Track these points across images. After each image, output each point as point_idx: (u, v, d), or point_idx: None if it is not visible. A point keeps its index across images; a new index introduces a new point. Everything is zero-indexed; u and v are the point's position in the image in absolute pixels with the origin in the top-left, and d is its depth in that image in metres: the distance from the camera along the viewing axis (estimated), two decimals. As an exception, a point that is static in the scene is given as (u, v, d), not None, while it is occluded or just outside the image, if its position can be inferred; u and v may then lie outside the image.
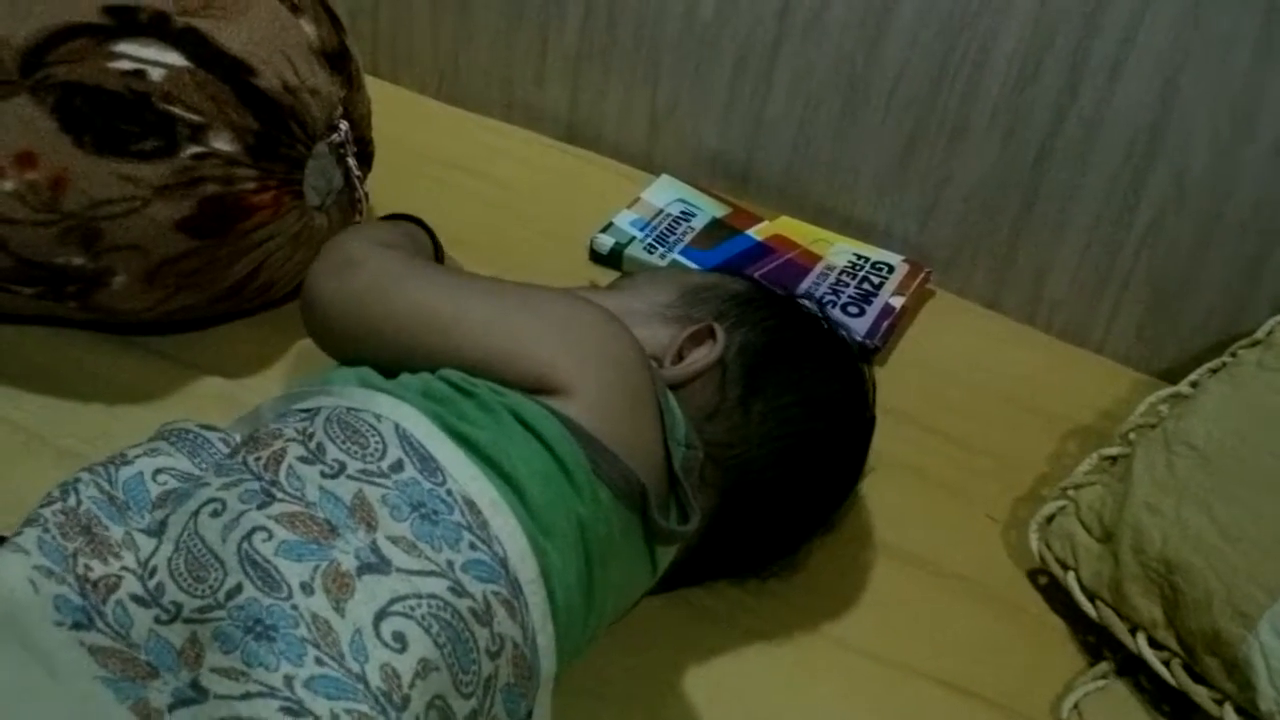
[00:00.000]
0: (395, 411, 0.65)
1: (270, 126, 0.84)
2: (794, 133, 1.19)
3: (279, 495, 0.60)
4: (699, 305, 0.82)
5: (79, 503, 0.61)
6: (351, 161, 0.93)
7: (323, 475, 0.61)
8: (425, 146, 1.23)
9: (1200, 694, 0.77)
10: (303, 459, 0.62)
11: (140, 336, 0.93)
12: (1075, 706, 0.79)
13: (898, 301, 1.11)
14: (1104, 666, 0.82)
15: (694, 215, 1.19)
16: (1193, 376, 0.94)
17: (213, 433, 0.69)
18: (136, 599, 0.57)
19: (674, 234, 1.16)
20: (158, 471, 0.65)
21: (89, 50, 0.80)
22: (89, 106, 0.80)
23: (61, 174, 0.80)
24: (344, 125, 0.91)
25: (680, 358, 0.78)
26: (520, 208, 1.18)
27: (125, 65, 0.80)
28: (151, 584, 0.58)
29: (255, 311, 0.96)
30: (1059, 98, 1.06)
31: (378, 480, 0.61)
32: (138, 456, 0.65)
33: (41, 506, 0.61)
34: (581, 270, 1.12)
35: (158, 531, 0.60)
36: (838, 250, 1.16)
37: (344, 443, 0.63)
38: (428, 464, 0.63)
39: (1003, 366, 1.09)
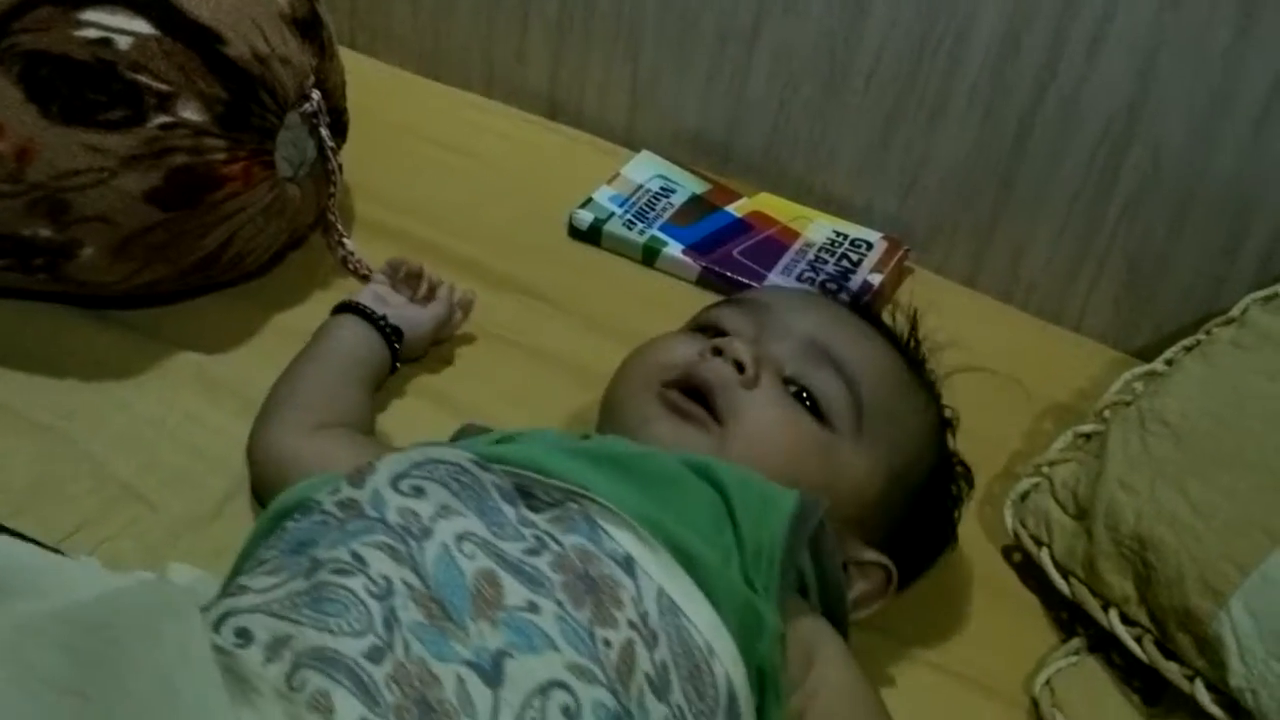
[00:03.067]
0: (726, 655, 0.60)
1: (240, 96, 0.83)
2: (774, 110, 1.19)
3: None
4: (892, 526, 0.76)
5: (406, 646, 0.54)
6: (325, 132, 0.92)
7: None
8: (404, 121, 1.22)
9: (1171, 670, 0.76)
10: (651, 682, 0.57)
11: (112, 310, 0.92)
12: (1047, 683, 0.79)
13: (876, 279, 1.10)
14: (1076, 643, 0.82)
15: (674, 191, 1.18)
16: (1167, 354, 0.94)
17: (485, 472, 0.63)
18: None
19: (653, 210, 1.15)
20: (460, 539, 0.59)
21: (55, 18, 0.79)
22: (55, 76, 0.79)
23: (27, 144, 0.79)
24: (316, 95, 0.90)
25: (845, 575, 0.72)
26: (499, 183, 1.17)
27: (92, 33, 0.79)
28: None
29: (229, 284, 0.95)
30: (1037, 76, 1.05)
31: None
32: (434, 519, 0.60)
33: (359, 638, 0.53)
34: (561, 247, 1.12)
35: (494, 677, 0.54)
36: (817, 227, 1.16)
37: (686, 682, 0.58)
38: None
39: (979, 344, 1.08)
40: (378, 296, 0.90)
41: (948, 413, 0.83)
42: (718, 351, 0.74)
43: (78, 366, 0.88)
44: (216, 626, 0.54)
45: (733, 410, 0.72)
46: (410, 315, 0.91)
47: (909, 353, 0.82)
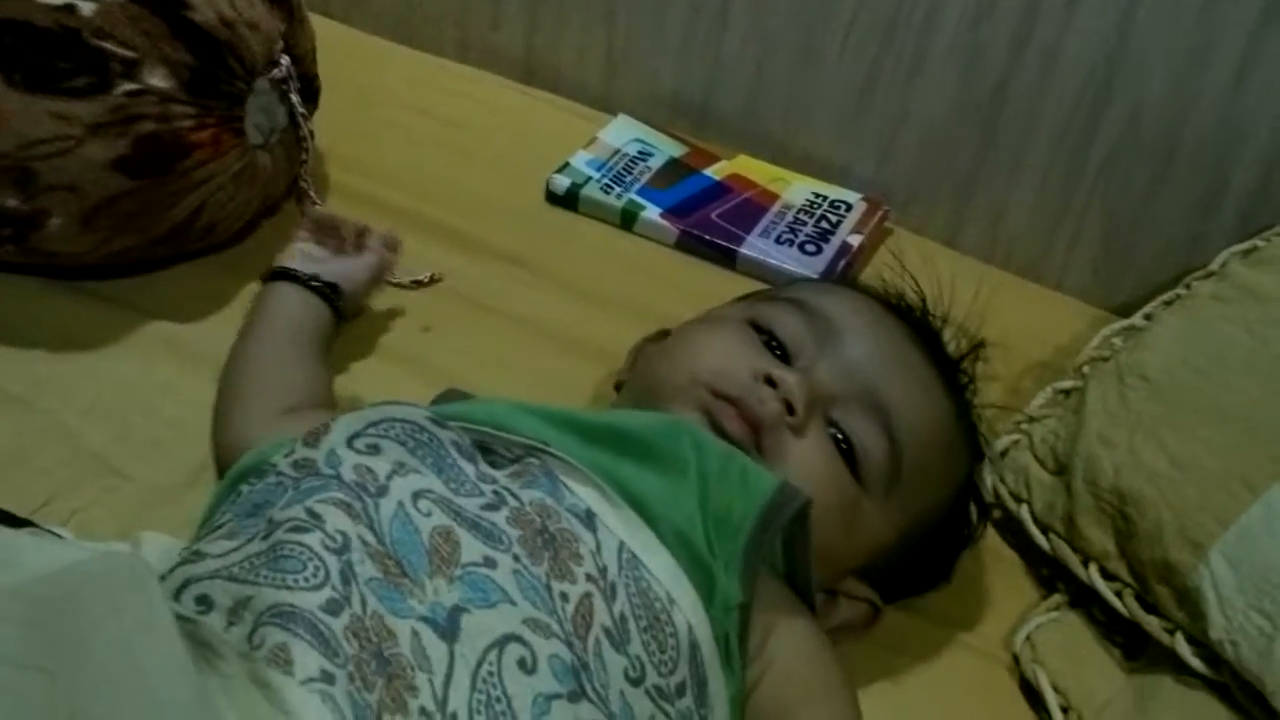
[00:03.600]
0: (687, 603, 0.60)
1: (207, 62, 0.83)
2: (751, 71, 1.18)
3: (588, 689, 0.55)
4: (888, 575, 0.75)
5: (364, 601, 0.54)
6: (295, 98, 0.91)
7: (626, 677, 0.57)
8: (379, 89, 1.21)
9: (1152, 624, 0.77)
10: (609, 634, 0.57)
11: (83, 281, 0.91)
12: (1028, 639, 0.79)
13: (856, 239, 1.10)
14: (1057, 599, 0.82)
15: (651, 155, 1.17)
16: (1146, 309, 0.94)
17: (443, 430, 0.64)
18: None
19: (631, 174, 1.14)
20: (416, 497, 0.59)
21: (17, -16, 0.78)
22: (19, 43, 0.78)
23: (-8, 113, 0.78)
24: (285, 60, 0.89)
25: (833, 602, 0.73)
26: (476, 149, 1.16)
27: (55, 0, 0.78)
28: None
29: (201, 254, 0.94)
30: (1015, 32, 1.04)
31: (666, 707, 0.58)
32: (390, 477, 0.60)
33: (316, 591, 0.54)
34: (538, 212, 1.11)
35: (449, 632, 0.54)
36: (795, 189, 1.15)
37: (646, 631, 0.58)
38: (702, 691, 0.59)
39: (959, 303, 1.07)
40: (306, 256, 0.87)
41: (985, 449, 0.82)
42: (771, 381, 0.71)
43: (48, 337, 0.87)
44: (177, 595, 0.54)
45: (777, 452, 0.69)
46: (343, 268, 0.88)
47: (962, 396, 0.79)
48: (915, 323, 0.80)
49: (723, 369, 0.72)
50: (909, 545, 0.75)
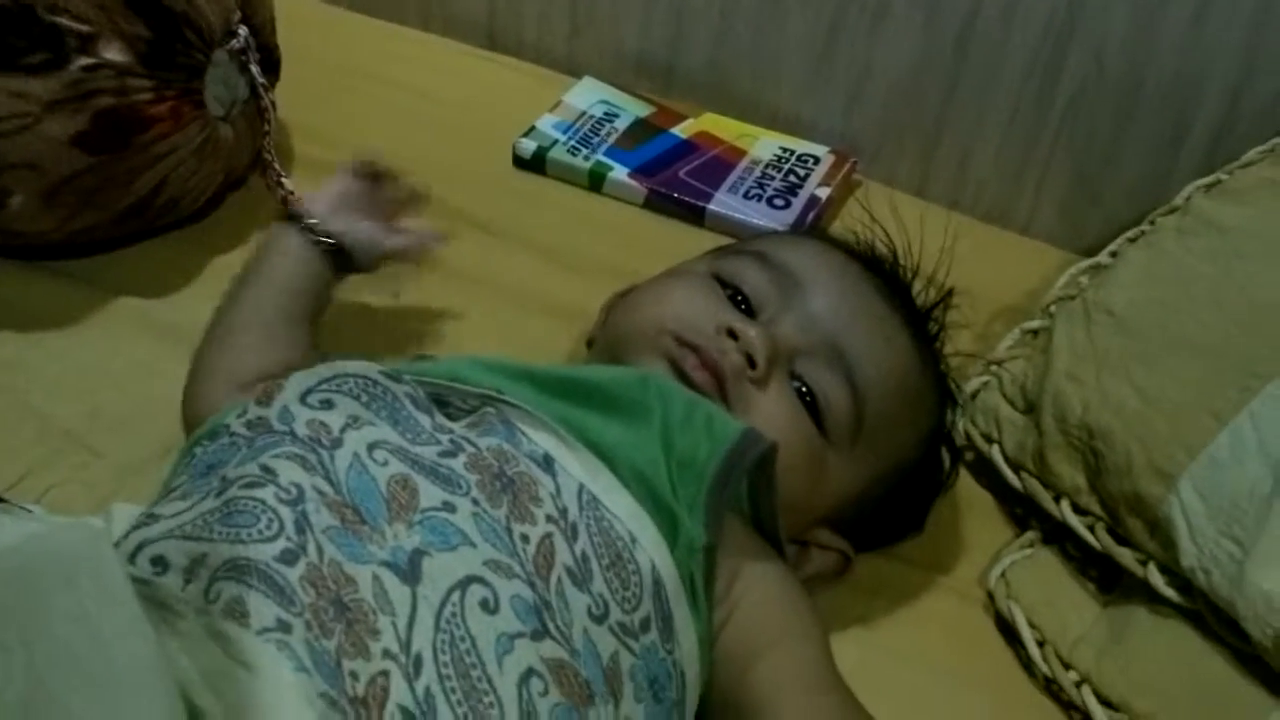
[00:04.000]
0: (649, 541, 0.60)
1: (163, 34, 0.82)
2: (716, 29, 1.18)
3: (550, 628, 0.55)
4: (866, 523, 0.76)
5: (320, 549, 0.54)
6: (255, 69, 0.91)
7: (589, 614, 0.57)
8: (340, 58, 1.20)
9: (1124, 555, 0.77)
10: (571, 573, 0.57)
11: (49, 260, 0.91)
12: (1002, 576, 0.80)
13: (824, 192, 1.10)
14: (1030, 536, 0.83)
15: (617, 116, 1.17)
16: (1112, 246, 0.94)
17: (396, 384, 0.64)
18: (407, 715, 0.50)
19: (598, 135, 1.14)
20: (372, 448, 0.59)
21: (-34, -40, 0.77)
22: (-28, 21, 0.78)
23: (-53, 92, 0.78)
24: (243, 31, 0.89)
25: (805, 552, 0.73)
26: (440, 116, 1.16)
27: (7, -24, 0.78)
28: (419, 688, 0.51)
29: (166, 229, 0.94)
30: (976, -25, 1.05)
31: (630, 642, 0.58)
32: (344, 430, 0.60)
33: (270, 542, 0.54)
34: (505, 176, 1.11)
35: (410, 574, 0.54)
36: (763, 144, 1.15)
37: (608, 569, 0.58)
38: (667, 626, 0.59)
39: (929, 252, 1.08)
40: (327, 202, 0.81)
41: (955, 394, 0.82)
42: (733, 334, 0.71)
43: (15, 317, 0.87)
44: (132, 558, 0.54)
45: (740, 403, 0.70)
46: (365, 236, 0.82)
47: (929, 346, 0.79)
48: (881, 271, 0.80)
49: (686, 317, 0.72)
50: (879, 494, 0.75)
